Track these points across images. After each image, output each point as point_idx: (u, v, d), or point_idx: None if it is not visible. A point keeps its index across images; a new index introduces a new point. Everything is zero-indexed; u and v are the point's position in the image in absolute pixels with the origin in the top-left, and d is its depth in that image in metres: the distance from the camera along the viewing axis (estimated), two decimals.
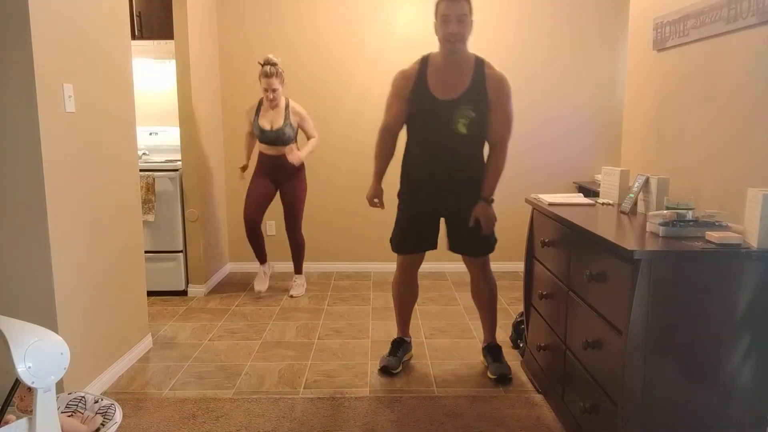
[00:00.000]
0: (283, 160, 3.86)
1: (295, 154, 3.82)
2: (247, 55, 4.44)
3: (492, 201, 2.68)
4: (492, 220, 2.67)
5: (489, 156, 2.70)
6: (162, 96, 4.47)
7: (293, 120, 3.85)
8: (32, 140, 2.18)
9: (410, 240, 2.79)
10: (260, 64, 3.78)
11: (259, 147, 3.95)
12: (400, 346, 2.89)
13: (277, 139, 3.82)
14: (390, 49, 4.44)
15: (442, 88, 2.56)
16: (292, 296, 4.03)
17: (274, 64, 3.74)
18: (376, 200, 2.81)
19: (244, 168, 4.08)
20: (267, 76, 3.73)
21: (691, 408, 1.73)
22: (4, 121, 2.17)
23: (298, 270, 4.19)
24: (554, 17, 4.42)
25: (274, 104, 3.82)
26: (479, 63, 2.59)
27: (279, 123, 3.81)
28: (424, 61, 2.63)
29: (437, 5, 2.55)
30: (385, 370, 2.78)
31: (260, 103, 3.89)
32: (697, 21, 2.22)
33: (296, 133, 3.90)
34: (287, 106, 3.87)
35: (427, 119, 2.61)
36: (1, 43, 2.13)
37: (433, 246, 2.81)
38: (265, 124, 3.83)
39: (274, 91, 3.76)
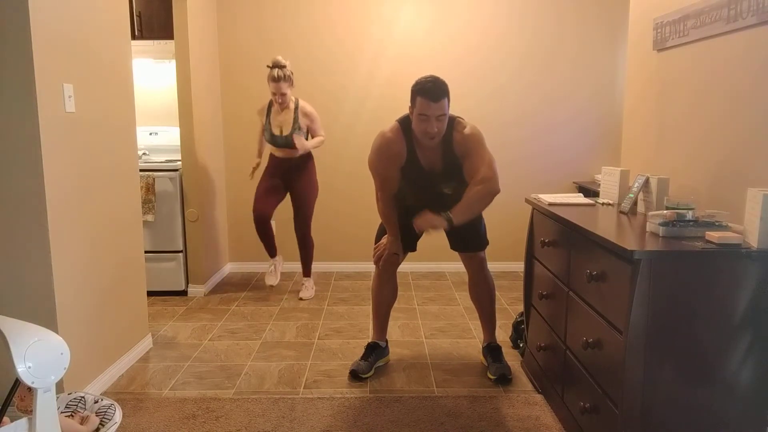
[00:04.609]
0: (293, 161, 3.84)
1: (302, 141, 3.73)
2: (247, 55, 4.45)
3: (450, 219, 2.42)
4: (429, 221, 2.45)
5: (468, 187, 2.53)
6: (162, 96, 4.47)
7: (302, 123, 3.78)
8: (32, 140, 2.18)
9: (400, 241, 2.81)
10: (268, 66, 3.68)
11: (269, 148, 3.92)
12: (374, 350, 2.87)
13: (287, 144, 3.77)
14: (389, 51, 4.45)
15: (426, 161, 2.61)
16: (301, 299, 3.98)
17: (282, 67, 3.62)
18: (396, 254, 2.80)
19: (256, 166, 4.01)
20: (275, 80, 3.63)
21: (691, 408, 1.74)
22: (4, 121, 2.17)
23: (307, 273, 4.10)
24: (554, 17, 4.43)
25: (283, 107, 3.76)
26: (447, 134, 2.54)
27: (288, 129, 3.75)
28: (408, 136, 2.57)
29: (414, 97, 2.45)
30: (354, 375, 2.74)
31: (270, 104, 3.82)
32: (697, 21, 2.22)
33: (306, 136, 3.84)
34: (296, 108, 3.79)
35: (417, 183, 2.68)
36: (1, 43, 2.13)
37: (414, 248, 2.89)
38: (275, 129, 3.77)
39: (282, 95, 3.67)
